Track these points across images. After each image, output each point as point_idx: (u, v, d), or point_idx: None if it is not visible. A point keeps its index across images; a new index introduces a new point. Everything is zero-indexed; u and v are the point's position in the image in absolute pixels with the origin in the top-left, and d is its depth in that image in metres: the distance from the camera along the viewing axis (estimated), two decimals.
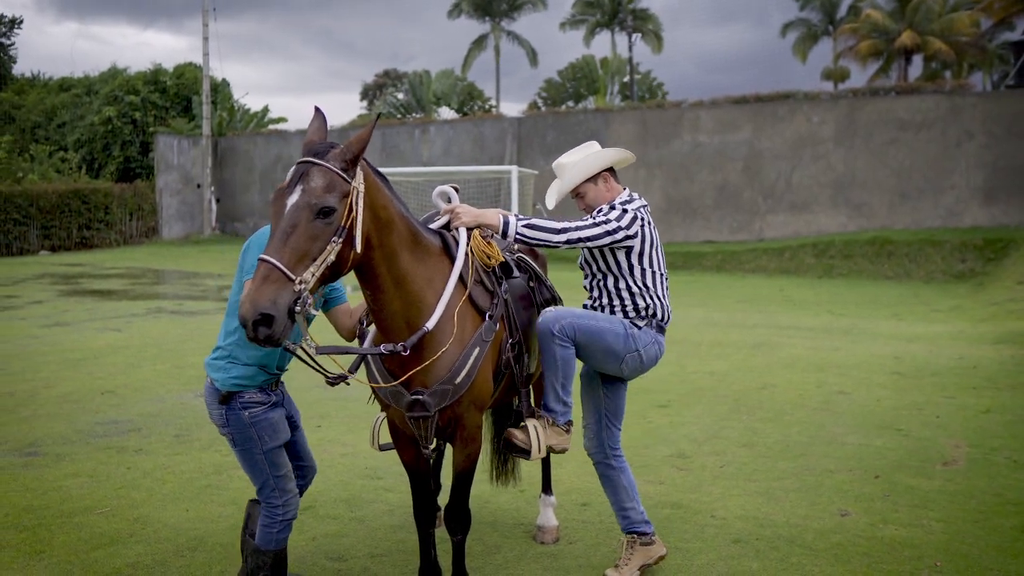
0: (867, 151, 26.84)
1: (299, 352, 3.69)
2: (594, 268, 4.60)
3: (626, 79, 51.91)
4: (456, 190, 4.52)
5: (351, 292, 4.54)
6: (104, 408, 8.58)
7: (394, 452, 4.53)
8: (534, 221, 4.27)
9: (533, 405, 4.60)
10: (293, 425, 4.34)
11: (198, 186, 37.28)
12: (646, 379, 9.95)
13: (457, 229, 4.22)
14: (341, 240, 3.40)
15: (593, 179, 4.58)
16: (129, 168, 40.53)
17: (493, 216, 4.26)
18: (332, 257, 3.38)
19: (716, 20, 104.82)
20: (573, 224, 4.31)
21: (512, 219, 4.26)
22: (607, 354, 4.47)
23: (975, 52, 39.87)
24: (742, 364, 11.07)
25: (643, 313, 4.51)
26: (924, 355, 11.62)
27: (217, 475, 6.47)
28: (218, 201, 37.29)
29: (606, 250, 4.47)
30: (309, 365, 3.84)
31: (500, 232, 4.25)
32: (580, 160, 4.58)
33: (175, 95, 41.79)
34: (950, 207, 25.88)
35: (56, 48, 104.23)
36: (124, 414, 8.35)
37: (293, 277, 3.24)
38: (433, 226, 4.24)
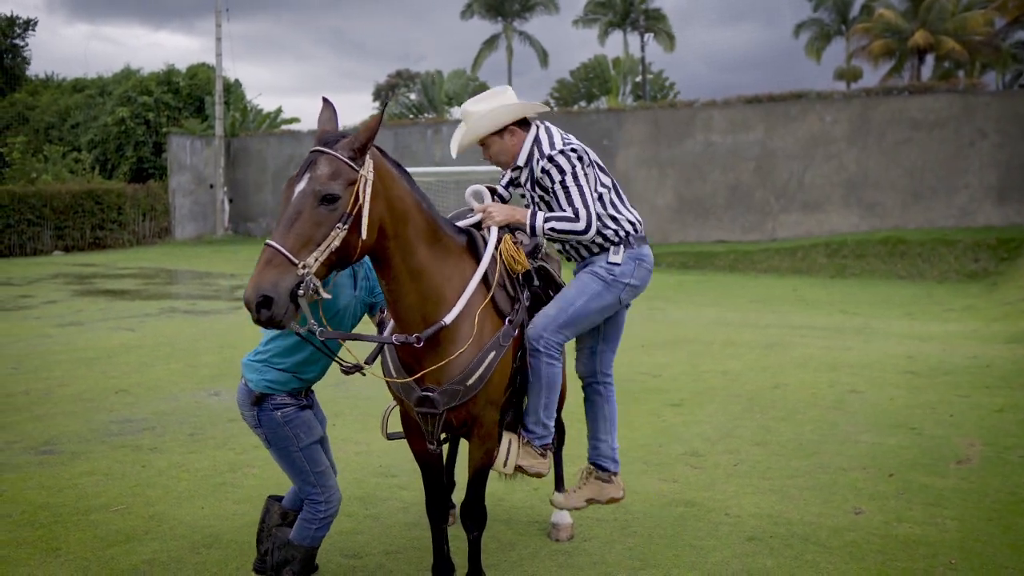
0: (880, 151, 26.75)
1: (315, 338, 3.71)
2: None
3: (638, 79, 51.86)
4: (494, 192, 4.52)
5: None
6: (118, 407, 8.63)
7: (406, 446, 4.55)
8: (552, 219, 4.22)
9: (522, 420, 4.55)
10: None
11: (211, 186, 37.39)
12: (660, 378, 9.98)
13: (488, 229, 4.21)
14: (347, 227, 3.44)
15: (499, 132, 4.38)
16: (142, 168, 40.68)
17: (523, 213, 4.27)
18: (336, 243, 3.42)
19: (727, 19, 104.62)
20: (581, 206, 4.21)
21: (540, 216, 4.24)
22: (605, 311, 4.43)
23: (988, 51, 39.71)
24: (755, 363, 11.06)
25: (614, 239, 4.41)
26: (937, 354, 11.59)
27: (231, 473, 6.50)
28: (231, 201, 37.40)
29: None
30: (323, 352, 3.89)
31: (528, 228, 4.24)
32: (488, 112, 4.33)
33: (188, 96, 41.93)
34: (963, 207, 25.78)
35: (68, 49, 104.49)
36: (138, 413, 8.40)
37: (296, 261, 3.31)
38: (463, 223, 4.25)
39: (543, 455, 4.39)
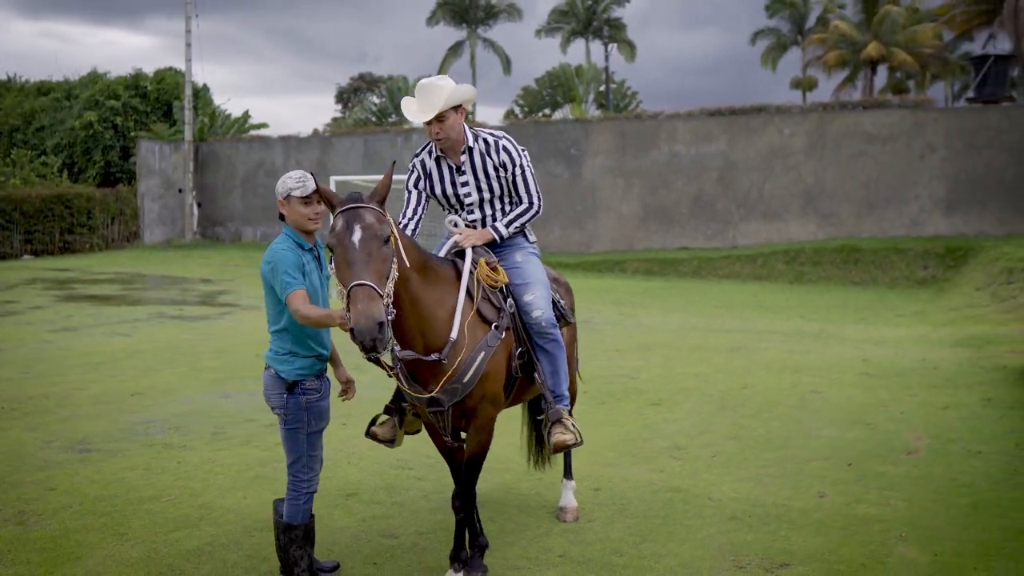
0: (836, 163, 27.85)
1: (385, 358, 4.49)
2: (501, 198, 5.33)
3: (602, 88, 52.82)
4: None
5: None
6: (138, 408, 9.21)
7: (418, 443, 5.38)
8: (512, 220, 5.25)
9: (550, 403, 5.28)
10: None
11: (179, 191, 37.64)
12: (638, 380, 10.81)
13: (464, 252, 5.04)
14: (395, 259, 4.24)
15: (455, 107, 5.02)
16: (110, 173, 40.76)
17: (488, 233, 5.20)
18: (396, 272, 4.23)
19: (687, 24, 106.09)
20: (535, 191, 5.28)
21: (499, 226, 5.22)
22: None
23: (937, 63, 41.24)
24: (723, 366, 11.91)
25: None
26: (890, 357, 12.53)
27: (262, 467, 7.13)
28: (199, 206, 37.69)
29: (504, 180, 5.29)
30: (382, 365, 4.66)
31: (498, 238, 5.22)
32: (455, 88, 5.00)
33: (156, 100, 42.08)
34: (914, 217, 26.94)
35: (12, 47, 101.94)
36: (159, 413, 8.99)
37: (382, 293, 4.06)
38: (443, 251, 5.09)
39: (572, 426, 5.21)
